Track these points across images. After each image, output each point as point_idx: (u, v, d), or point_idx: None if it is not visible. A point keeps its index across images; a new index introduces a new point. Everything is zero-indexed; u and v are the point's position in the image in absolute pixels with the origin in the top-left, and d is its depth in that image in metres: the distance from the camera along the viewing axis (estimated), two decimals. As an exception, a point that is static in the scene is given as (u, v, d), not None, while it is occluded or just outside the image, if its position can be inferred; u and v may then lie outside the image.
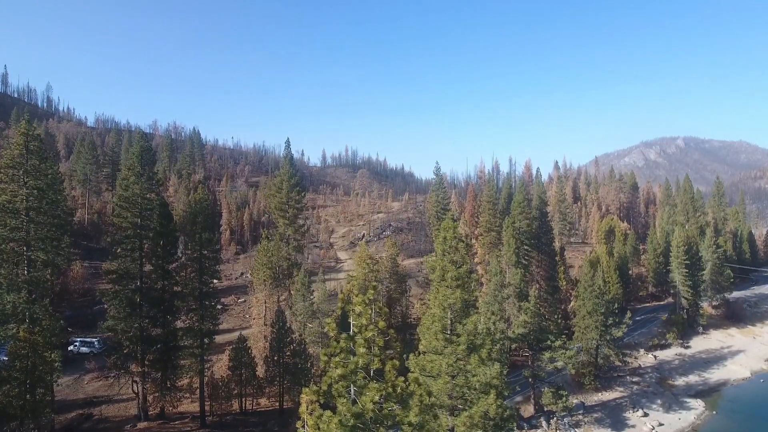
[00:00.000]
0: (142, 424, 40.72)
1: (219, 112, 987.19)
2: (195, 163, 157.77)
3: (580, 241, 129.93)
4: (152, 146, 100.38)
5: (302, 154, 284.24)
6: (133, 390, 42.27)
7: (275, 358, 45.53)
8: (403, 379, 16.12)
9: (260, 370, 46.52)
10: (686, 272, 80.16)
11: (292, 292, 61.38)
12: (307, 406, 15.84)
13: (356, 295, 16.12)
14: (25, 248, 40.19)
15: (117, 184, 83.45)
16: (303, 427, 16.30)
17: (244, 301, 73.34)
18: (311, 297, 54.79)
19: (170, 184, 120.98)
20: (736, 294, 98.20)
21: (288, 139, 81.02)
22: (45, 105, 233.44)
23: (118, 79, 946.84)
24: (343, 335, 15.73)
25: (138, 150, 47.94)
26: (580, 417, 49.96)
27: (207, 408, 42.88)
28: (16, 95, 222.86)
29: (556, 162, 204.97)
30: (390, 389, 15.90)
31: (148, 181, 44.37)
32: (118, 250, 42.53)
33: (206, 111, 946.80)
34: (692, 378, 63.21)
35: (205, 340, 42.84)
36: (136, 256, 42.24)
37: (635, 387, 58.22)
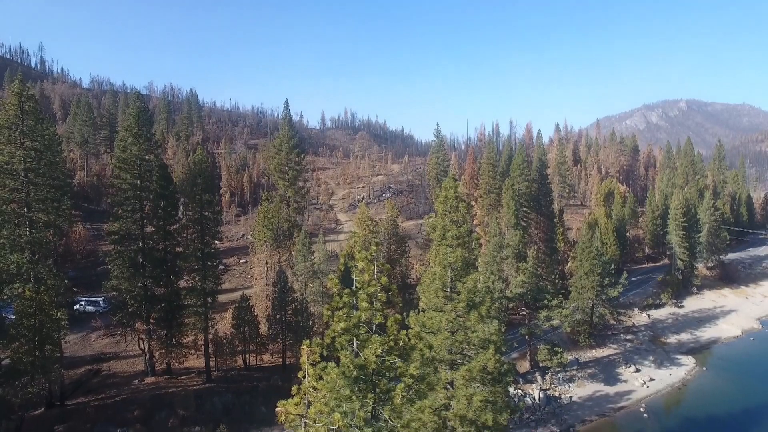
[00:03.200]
0: (149, 379, 42.00)
1: (216, 73, 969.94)
2: (193, 125, 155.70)
3: (579, 203, 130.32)
4: (149, 108, 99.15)
5: (301, 116, 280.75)
6: (139, 347, 43.37)
7: (277, 316, 46.52)
8: (404, 332, 16.52)
9: (263, 328, 47.63)
10: (683, 234, 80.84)
11: (293, 252, 62.00)
12: (308, 357, 16.32)
13: (359, 252, 16.34)
14: (25, 209, 40.29)
15: (115, 145, 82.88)
16: (304, 377, 16.79)
17: (246, 261, 74.12)
18: (312, 258, 55.39)
19: (168, 146, 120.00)
20: (731, 256, 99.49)
21: (287, 100, 79.84)
22: (38, 66, 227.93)
23: (113, 40, 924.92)
24: (346, 290, 16.00)
25: (135, 111, 47.21)
26: (574, 372, 51.54)
27: (212, 364, 44.13)
28: (8, 56, 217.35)
29: (557, 124, 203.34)
30: (392, 343, 16.29)
31: (146, 142, 44.05)
32: (119, 211, 42.69)
33: (203, 72, 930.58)
34: (684, 336, 64.81)
35: (209, 299, 43.60)
36: (137, 217, 42.46)
37: (628, 344, 59.77)
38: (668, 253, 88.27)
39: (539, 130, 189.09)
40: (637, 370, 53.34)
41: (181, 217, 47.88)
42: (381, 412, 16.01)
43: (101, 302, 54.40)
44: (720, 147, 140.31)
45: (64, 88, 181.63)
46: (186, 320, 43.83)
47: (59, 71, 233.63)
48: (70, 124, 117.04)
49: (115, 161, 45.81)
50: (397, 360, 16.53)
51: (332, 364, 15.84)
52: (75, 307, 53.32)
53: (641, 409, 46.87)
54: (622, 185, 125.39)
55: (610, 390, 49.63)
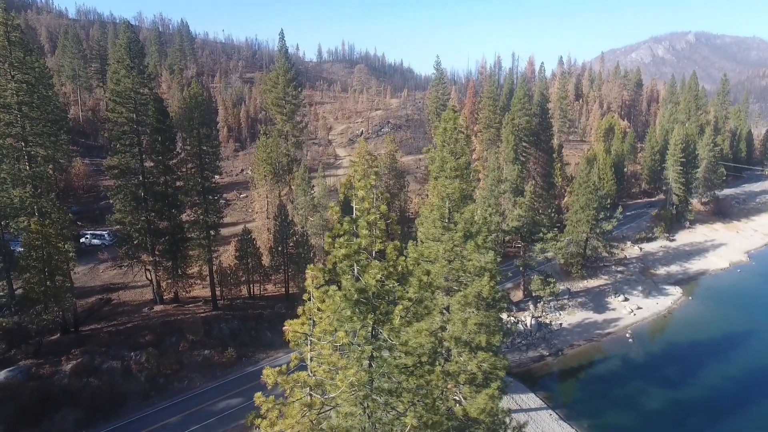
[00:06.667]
0: (158, 307, 43.84)
1: (207, 2, 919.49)
2: (186, 58, 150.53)
3: (579, 139, 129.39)
4: (140, 39, 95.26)
5: (297, 49, 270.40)
6: (146, 277, 44.86)
7: (279, 248, 47.75)
8: (403, 259, 17.28)
9: (266, 260, 48.99)
10: (680, 170, 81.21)
11: (292, 187, 62.54)
12: (312, 280, 17.18)
13: (358, 181, 16.75)
14: (23, 144, 40.31)
15: (108, 78, 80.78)
16: (309, 299, 17.73)
17: (246, 196, 74.76)
18: (312, 192, 55.94)
19: (162, 80, 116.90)
20: (726, 191, 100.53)
21: (282, 30, 77.02)
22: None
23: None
24: (347, 218, 16.55)
25: (125, 41, 45.67)
26: (566, 301, 53.75)
27: (218, 293, 45.87)
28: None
29: (561, 58, 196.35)
30: (391, 268, 17.04)
31: (139, 74, 43.11)
32: (117, 145, 42.59)
33: (194, 1, 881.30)
34: (674, 268, 66.91)
35: (211, 232, 44.60)
36: (136, 152, 42.45)
37: (619, 276, 61.85)
38: (664, 188, 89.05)
39: (542, 63, 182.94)
40: (626, 300, 55.60)
41: (180, 151, 47.85)
42: (381, 332, 17.07)
43: (106, 235, 55.52)
44: (725, 82, 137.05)
45: (50, 19, 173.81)
46: (190, 252, 45.07)
47: (43, 0, 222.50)
48: (59, 57, 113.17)
49: (110, 95, 45.10)
50: (396, 284, 17.41)
51: (334, 287, 16.73)
52: (81, 241, 54.49)
53: (627, 335, 49.40)
54: (623, 120, 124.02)
55: (599, 317, 52.03)
